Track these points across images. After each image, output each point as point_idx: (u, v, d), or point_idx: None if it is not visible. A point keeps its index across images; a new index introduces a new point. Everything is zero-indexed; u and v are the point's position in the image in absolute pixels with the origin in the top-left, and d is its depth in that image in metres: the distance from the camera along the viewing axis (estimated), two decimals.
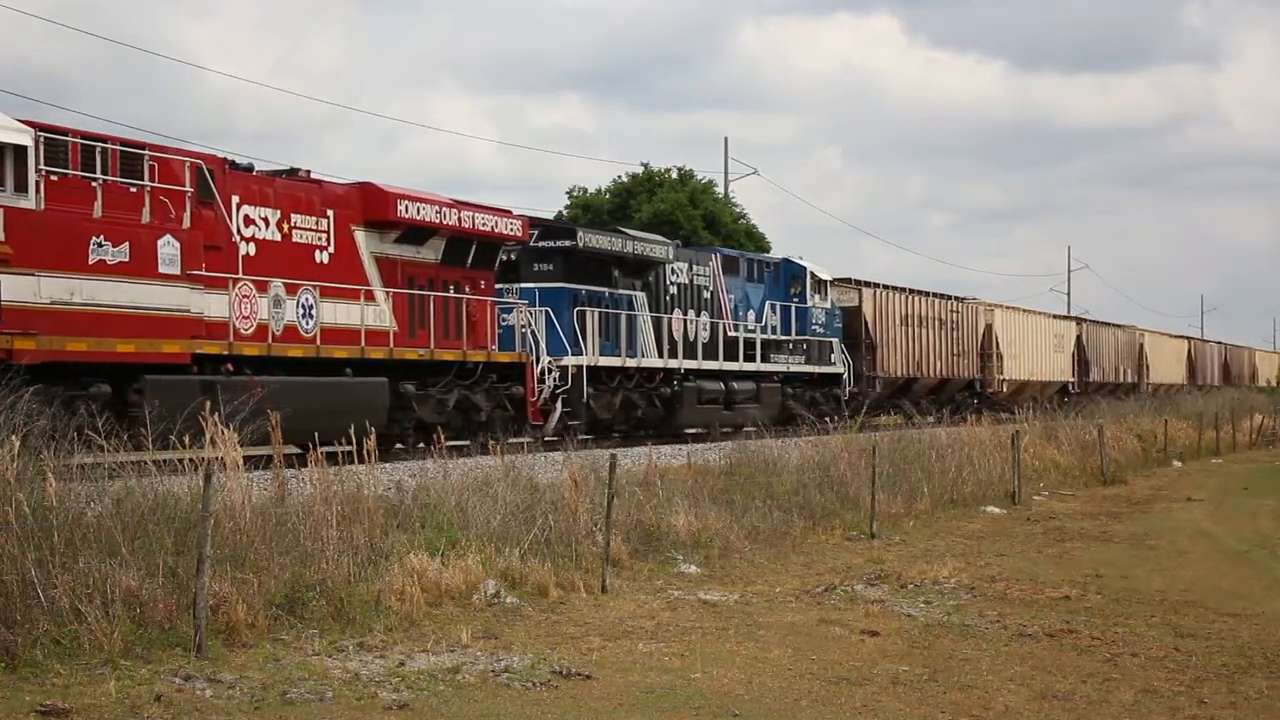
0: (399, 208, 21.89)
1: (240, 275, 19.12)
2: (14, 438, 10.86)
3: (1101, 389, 56.13)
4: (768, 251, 44.94)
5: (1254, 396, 60.56)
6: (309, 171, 21.37)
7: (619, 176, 58.60)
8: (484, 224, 23.87)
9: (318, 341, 20.26)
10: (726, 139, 74.09)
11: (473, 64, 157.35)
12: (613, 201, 56.45)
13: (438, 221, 22.75)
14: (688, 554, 15.95)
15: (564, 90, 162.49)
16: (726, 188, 58.47)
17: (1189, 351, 74.83)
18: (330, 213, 21.01)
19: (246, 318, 19.14)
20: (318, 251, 20.74)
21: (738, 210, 59.09)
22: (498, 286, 25.42)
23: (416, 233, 22.55)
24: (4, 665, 9.37)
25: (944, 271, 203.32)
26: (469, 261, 23.86)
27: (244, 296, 19.14)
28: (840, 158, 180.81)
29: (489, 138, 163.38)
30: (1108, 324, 64.27)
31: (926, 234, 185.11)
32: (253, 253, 19.52)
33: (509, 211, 25.02)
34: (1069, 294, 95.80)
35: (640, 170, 57.62)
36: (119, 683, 9.24)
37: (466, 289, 23.78)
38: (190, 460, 12.77)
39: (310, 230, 20.63)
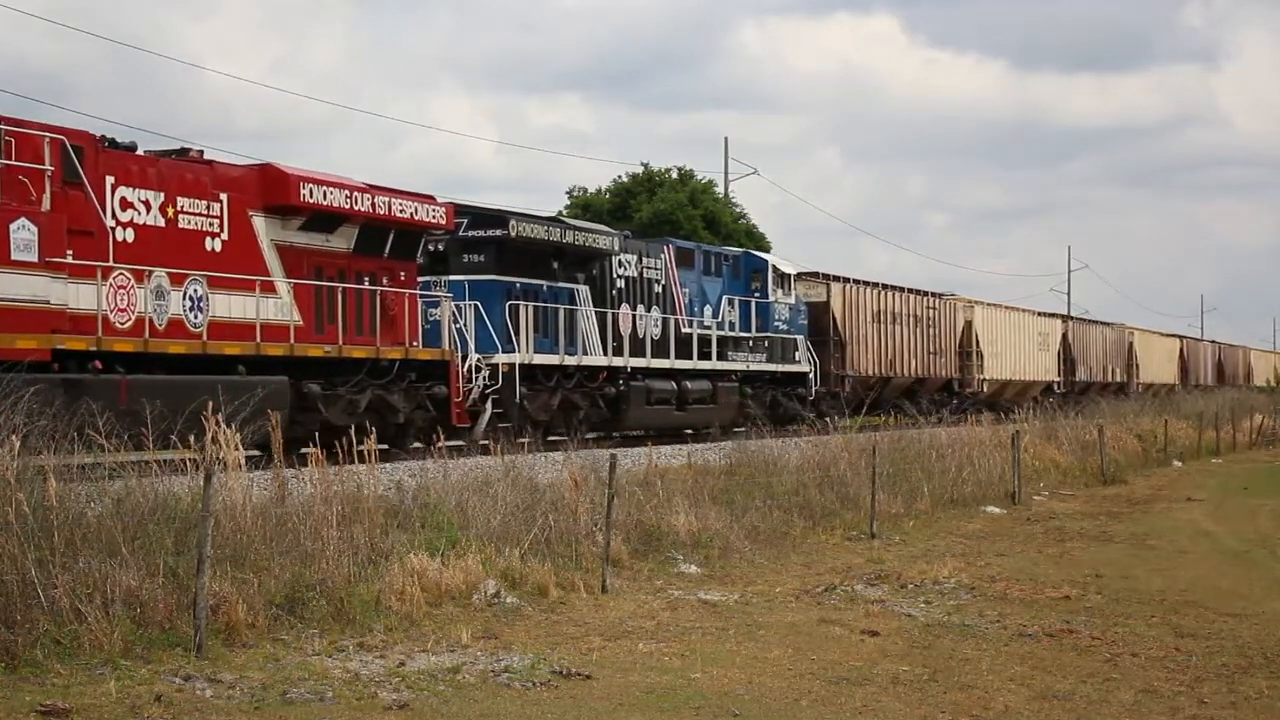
0: (302, 191, 20.16)
1: (114, 264, 17.44)
2: (14, 438, 10.85)
3: (1089, 389, 54.97)
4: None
5: (1254, 396, 60.46)
6: (201, 151, 19.81)
7: (619, 176, 58.77)
8: (402, 210, 22.15)
9: (204, 337, 18.57)
10: (726, 139, 74.10)
11: (472, 64, 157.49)
12: (613, 201, 56.51)
13: (347, 207, 21.05)
14: (688, 554, 15.95)
15: (564, 90, 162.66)
16: (726, 188, 58.56)
17: (1181, 350, 73.28)
18: (224, 196, 19.28)
19: (122, 310, 17.48)
20: (209, 238, 19.02)
21: (738, 210, 59.15)
22: (425, 279, 24.11)
23: (324, 219, 20.91)
24: (4, 665, 9.37)
25: (944, 271, 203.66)
26: (386, 251, 22.28)
27: (119, 287, 17.46)
28: (840, 158, 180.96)
29: (489, 138, 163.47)
30: (1095, 321, 63.23)
31: (926, 234, 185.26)
32: (130, 239, 17.89)
33: (432, 198, 23.38)
34: (1069, 294, 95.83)
35: (640, 170, 57.76)
36: (119, 683, 9.25)
37: (384, 280, 22.17)
38: (190, 460, 12.79)
39: (200, 215, 18.89)
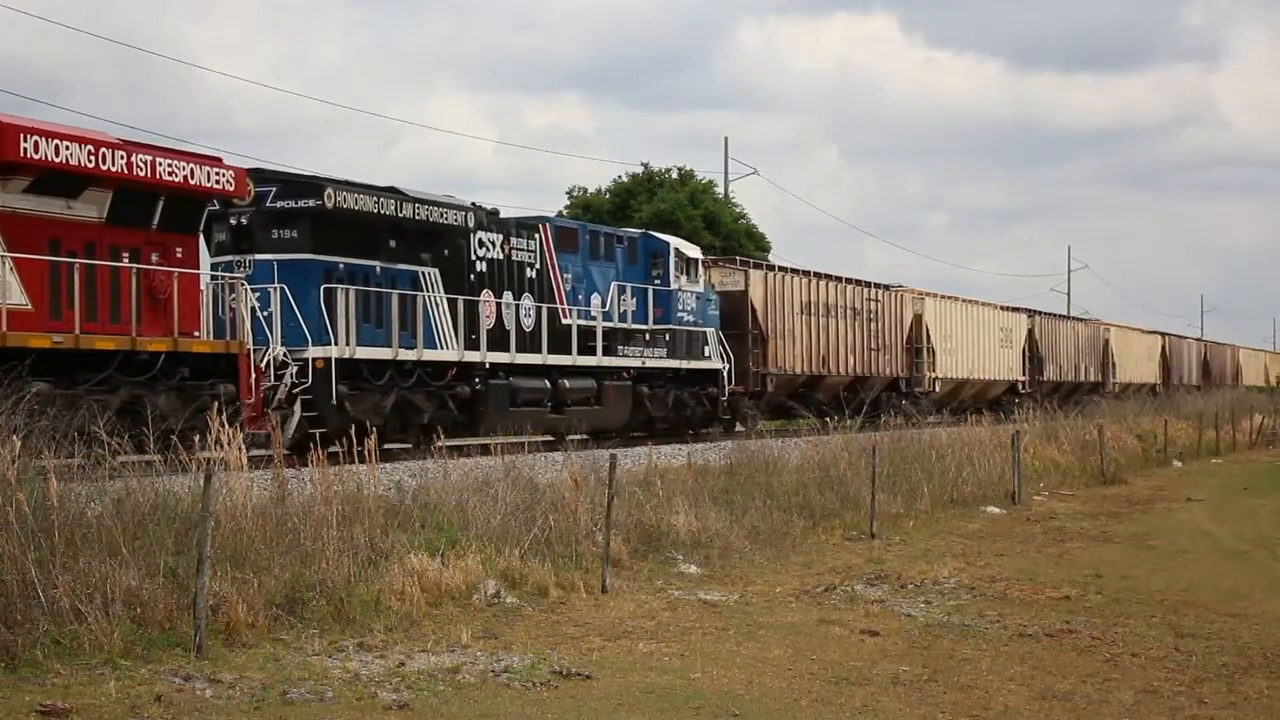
0: (23, 145, 16.54)
1: None
2: (15, 437, 10.85)
3: (1058, 389, 51.76)
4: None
5: (1254, 396, 60.36)
6: None
7: (619, 177, 58.85)
8: (172, 173, 18.45)
9: None
10: (726, 139, 74.01)
11: (471, 63, 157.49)
12: (613, 201, 56.55)
13: (93, 167, 17.38)
14: (688, 554, 15.96)
15: (563, 90, 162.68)
16: (726, 188, 58.59)
17: (1163, 348, 69.21)
18: None
19: None
20: None
21: (738, 210, 59.17)
22: (227, 258, 21.17)
23: (60, 181, 17.30)
24: (4, 665, 9.38)
25: (943, 271, 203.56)
26: (155, 222, 18.62)
27: None
28: (839, 157, 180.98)
29: (488, 137, 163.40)
30: (1066, 317, 60.64)
31: (926, 234, 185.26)
32: None
33: (219, 159, 19.69)
34: (1069, 294, 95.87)
35: (640, 170, 57.84)
36: (119, 683, 9.26)
37: (152, 257, 18.56)
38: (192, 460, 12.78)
39: None
